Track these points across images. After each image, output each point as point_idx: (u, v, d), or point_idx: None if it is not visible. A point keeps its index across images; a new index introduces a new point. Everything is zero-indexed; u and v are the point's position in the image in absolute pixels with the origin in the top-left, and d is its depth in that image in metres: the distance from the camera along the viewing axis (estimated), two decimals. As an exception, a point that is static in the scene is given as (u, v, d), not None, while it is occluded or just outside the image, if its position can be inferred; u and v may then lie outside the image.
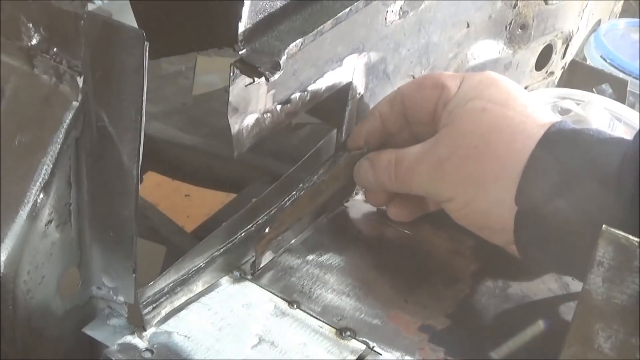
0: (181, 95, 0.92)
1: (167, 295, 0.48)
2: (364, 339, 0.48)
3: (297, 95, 0.51)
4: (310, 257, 0.55)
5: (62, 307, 0.48)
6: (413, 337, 0.49)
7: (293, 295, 0.51)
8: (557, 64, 0.81)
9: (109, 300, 0.48)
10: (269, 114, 0.50)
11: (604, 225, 0.37)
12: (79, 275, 0.48)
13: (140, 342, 0.46)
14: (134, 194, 0.43)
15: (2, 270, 0.43)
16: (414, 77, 0.62)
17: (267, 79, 0.46)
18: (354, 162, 0.57)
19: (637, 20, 0.98)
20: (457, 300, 0.53)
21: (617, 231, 0.36)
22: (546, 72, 0.81)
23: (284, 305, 0.50)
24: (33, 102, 0.44)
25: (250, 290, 0.51)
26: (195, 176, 0.83)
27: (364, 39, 0.55)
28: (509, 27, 0.71)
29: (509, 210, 0.49)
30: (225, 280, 0.52)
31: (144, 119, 0.41)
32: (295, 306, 0.50)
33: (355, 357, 0.47)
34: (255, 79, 0.46)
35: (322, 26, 0.50)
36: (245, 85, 0.46)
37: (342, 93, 0.56)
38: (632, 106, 0.80)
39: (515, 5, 0.70)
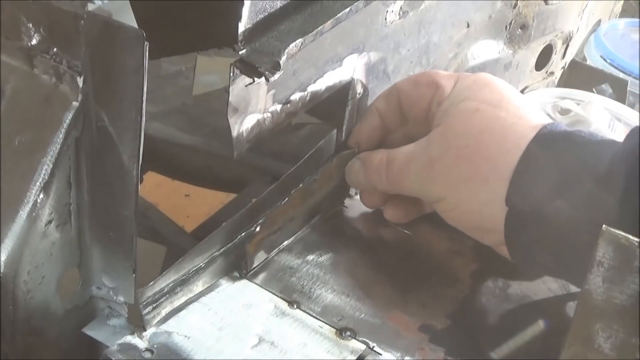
0: (181, 95, 0.92)
1: (167, 295, 0.48)
2: (364, 339, 0.48)
3: (297, 95, 0.51)
4: (310, 257, 0.55)
5: (62, 307, 0.48)
6: (413, 337, 0.49)
7: (293, 295, 0.51)
8: (557, 64, 0.82)
9: (109, 300, 0.48)
10: (269, 114, 0.50)
11: (604, 226, 0.37)
12: (79, 275, 0.48)
13: (140, 342, 0.46)
14: (134, 194, 0.43)
15: (2, 270, 0.43)
16: (413, 77, 0.62)
17: (267, 79, 0.46)
18: (346, 162, 0.57)
19: (637, 20, 0.98)
20: (457, 300, 0.53)
21: (617, 231, 0.36)
22: (546, 72, 0.81)
23: (284, 305, 0.50)
24: (33, 102, 0.44)
25: (250, 290, 0.51)
26: (195, 176, 0.83)
27: (364, 39, 0.55)
28: (509, 27, 0.71)
29: (500, 210, 0.49)
30: (225, 280, 0.52)
31: (144, 119, 0.41)
32: (295, 306, 0.50)
33: (355, 357, 0.47)
34: (255, 79, 0.46)
35: (322, 26, 0.50)
36: (245, 85, 0.46)
37: (342, 93, 0.56)
38: (632, 106, 0.80)
39: (515, 5, 0.70)
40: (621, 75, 0.86)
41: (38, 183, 0.43)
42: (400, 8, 0.57)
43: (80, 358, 0.50)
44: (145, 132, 0.41)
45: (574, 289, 0.54)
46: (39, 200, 0.43)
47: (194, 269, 0.49)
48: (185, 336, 0.47)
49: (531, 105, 0.53)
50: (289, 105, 0.51)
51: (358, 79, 0.56)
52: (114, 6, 0.61)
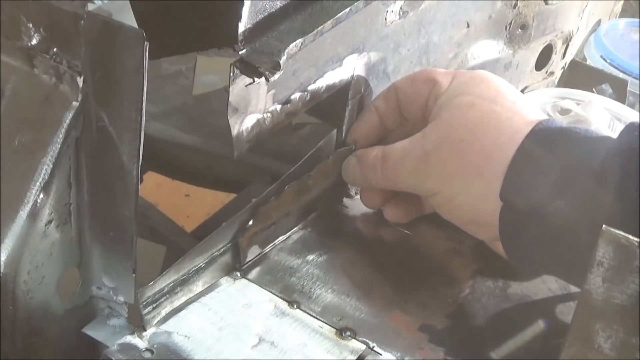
0: (181, 95, 0.92)
1: (167, 295, 0.48)
2: (364, 339, 0.48)
3: (297, 95, 0.51)
4: (310, 257, 0.55)
5: (62, 307, 0.48)
6: (413, 337, 0.49)
7: (293, 295, 0.51)
8: (557, 64, 0.81)
9: (109, 300, 0.48)
10: (269, 114, 0.50)
11: (603, 226, 0.37)
12: (79, 275, 0.48)
13: (140, 342, 0.46)
14: (134, 194, 0.43)
15: (2, 270, 0.43)
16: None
17: (267, 79, 0.46)
18: (342, 159, 0.57)
19: (637, 20, 0.98)
20: (457, 300, 0.53)
21: (617, 231, 0.36)
22: (546, 72, 0.81)
23: (284, 305, 0.50)
24: (33, 102, 0.44)
25: (250, 290, 0.51)
26: (195, 176, 0.83)
27: (364, 39, 0.55)
28: (509, 27, 0.71)
29: (494, 204, 0.49)
30: (225, 280, 0.52)
31: (144, 119, 0.41)
32: (295, 306, 0.50)
33: (355, 357, 0.47)
34: (255, 79, 0.46)
35: (322, 26, 0.50)
36: (245, 85, 0.46)
37: (342, 93, 0.56)
38: (632, 106, 0.80)
39: (515, 5, 0.70)
40: (621, 75, 0.86)
41: (38, 183, 0.43)
42: (400, 8, 0.57)
43: (80, 358, 0.50)
44: (145, 132, 0.41)
45: (574, 289, 0.54)
46: (39, 200, 0.43)
47: (194, 269, 0.49)
48: (185, 336, 0.47)
49: (527, 101, 0.53)
50: (289, 105, 0.51)
51: (358, 79, 0.56)
52: (114, 6, 0.61)
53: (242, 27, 0.46)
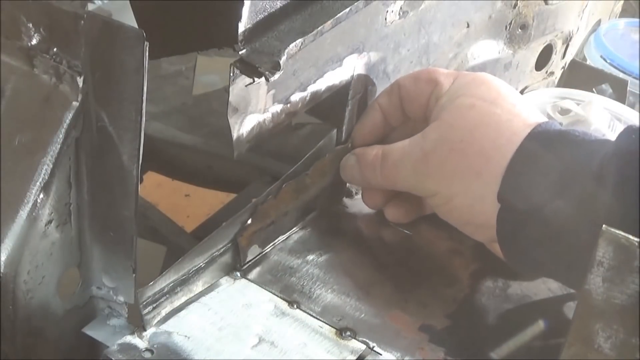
0: (181, 95, 0.92)
1: (167, 295, 0.48)
2: (364, 339, 0.48)
3: (297, 95, 0.51)
4: (310, 257, 0.55)
5: (62, 307, 0.48)
6: (413, 337, 0.49)
7: (293, 295, 0.51)
8: (557, 64, 0.81)
9: (109, 300, 0.48)
10: (269, 114, 0.50)
11: (604, 225, 0.37)
12: (79, 275, 0.48)
13: (140, 342, 0.46)
14: (134, 194, 0.43)
15: (2, 270, 0.43)
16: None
17: (267, 79, 0.46)
18: (340, 158, 0.57)
19: (637, 20, 0.98)
20: (457, 300, 0.53)
21: (617, 231, 0.36)
22: (546, 72, 0.81)
23: (284, 305, 0.50)
24: (33, 102, 0.44)
25: (250, 290, 0.51)
26: (195, 176, 0.83)
27: (364, 39, 0.55)
28: (509, 27, 0.71)
29: (492, 206, 0.49)
30: (225, 280, 0.52)
31: (144, 119, 0.41)
32: (295, 306, 0.50)
33: (355, 357, 0.47)
34: (255, 79, 0.46)
35: (322, 26, 0.50)
36: (245, 85, 0.46)
37: (342, 93, 0.56)
38: (632, 106, 0.80)
39: (515, 5, 0.70)
40: (621, 75, 0.86)
41: (38, 183, 0.43)
42: (400, 8, 0.57)
43: (80, 358, 0.50)
44: (145, 132, 0.41)
45: (574, 289, 0.54)
46: (39, 200, 0.43)
47: (194, 269, 0.49)
48: (185, 336, 0.47)
49: (527, 103, 0.53)
50: (289, 105, 0.51)
51: (358, 79, 0.56)
52: (114, 6, 0.61)
53: (242, 27, 0.46)
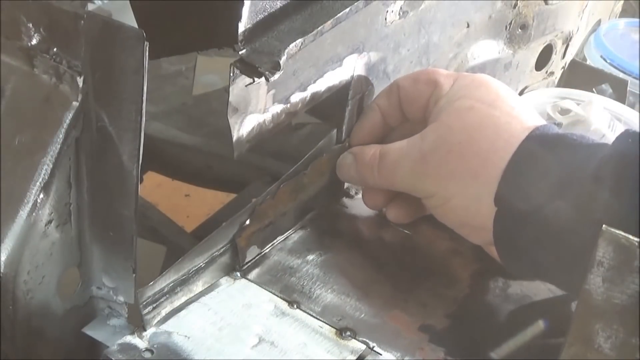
0: (181, 95, 0.92)
1: (167, 295, 0.48)
2: (364, 339, 0.48)
3: (297, 95, 0.51)
4: (310, 257, 0.55)
5: (62, 307, 0.48)
6: (413, 337, 0.49)
7: (293, 295, 0.51)
8: (557, 64, 0.81)
9: (109, 300, 0.48)
10: (269, 114, 0.50)
11: (603, 226, 0.37)
12: (79, 275, 0.48)
13: (140, 342, 0.46)
14: (134, 194, 0.43)
15: (2, 270, 0.43)
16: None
17: (267, 79, 0.46)
18: (337, 157, 0.57)
19: (637, 20, 0.98)
20: (457, 300, 0.53)
21: (617, 231, 0.36)
22: (546, 72, 0.81)
23: (284, 305, 0.50)
24: (33, 102, 0.44)
25: (250, 290, 0.51)
26: (195, 176, 0.83)
27: (364, 39, 0.55)
28: (509, 27, 0.71)
29: (489, 208, 0.49)
30: (225, 280, 0.52)
31: (144, 119, 0.41)
32: (295, 306, 0.50)
33: (355, 357, 0.47)
34: (255, 79, 0.46)
35: (322, 26, 0.50)
36: (245, 85, 0.46)
37: (342, 93, 0.56)
38: (632, 106, 0.80)
39: (515, 5, 0.70)
40: (621, 75, 0.86)
41: (38, 183, 0.43)
42: (400, 8, 0.57)
43: (80, 358, 0.50)
44: (145, 132, 0.41)
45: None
46: (39, 200, 0.43)
47: (194, 269, 0.49)
48: (185, 336, 0.47)
49: (526, 106, 0.53)
50: (289, 105, 0.51)
51: (358, 79, 0.56)
52: (114, 6, 0.61)
53: (242, 27, 0.46)
